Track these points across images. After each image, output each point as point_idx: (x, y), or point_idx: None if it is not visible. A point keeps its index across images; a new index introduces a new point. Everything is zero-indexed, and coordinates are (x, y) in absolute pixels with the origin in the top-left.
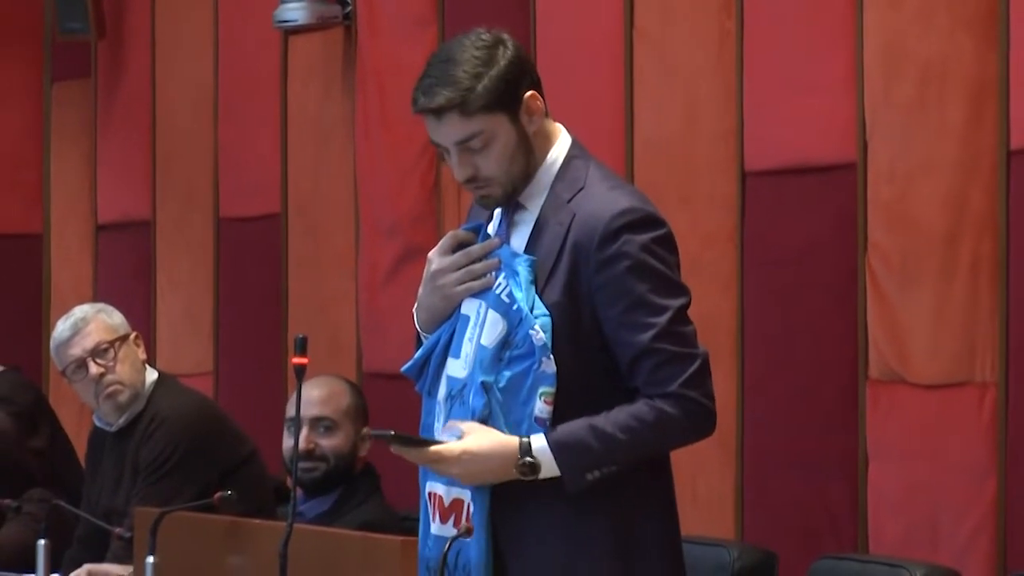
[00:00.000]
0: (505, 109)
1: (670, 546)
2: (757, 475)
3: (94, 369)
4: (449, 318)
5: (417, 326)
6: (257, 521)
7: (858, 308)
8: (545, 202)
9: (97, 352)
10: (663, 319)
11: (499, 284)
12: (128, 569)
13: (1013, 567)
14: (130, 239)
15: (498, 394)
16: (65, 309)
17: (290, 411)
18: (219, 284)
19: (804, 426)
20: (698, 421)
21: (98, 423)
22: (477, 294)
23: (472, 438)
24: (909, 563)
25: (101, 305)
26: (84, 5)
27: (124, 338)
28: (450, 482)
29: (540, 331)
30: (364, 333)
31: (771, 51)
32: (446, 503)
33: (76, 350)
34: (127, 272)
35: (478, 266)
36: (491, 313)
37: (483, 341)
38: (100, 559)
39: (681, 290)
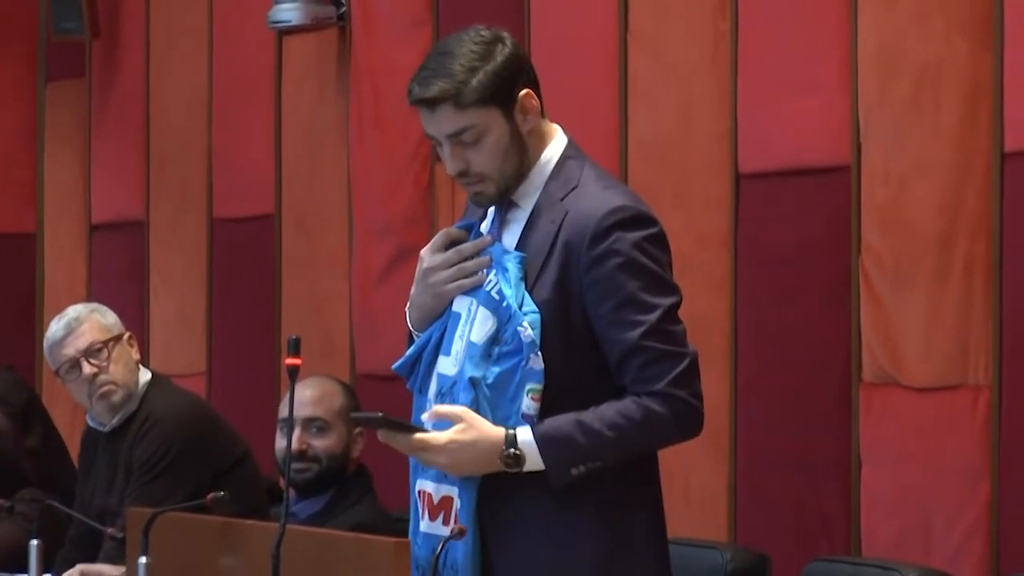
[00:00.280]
0: (499, 105)
1: (656, 543)
2: (750, 477)
3: (87, 369)
4: (440, 316)
5: (409, 324)
6: (250, 522)
7: (851, 310)
8: (538, 200)
9: (90, 352)
10: (653, 317)
11: (489, 281)
12: (121, 569)
13: (1006, 570)
14: (124, 239)
15: (486, 390)
16: (58, 309)
17: (283, 412)
18: (212, 284)
19: (797, 428)
20: (685, 420)
21: (91, 423)
22: (468, 292)
23: (459, 428)
24: (902, 565)
25: (95, 305)
26: (78, 5)
27: (118, 338)
28: (439, 479)
29: (528, 328)
30: (357, 334)
31: (765, 52)
32: (435, 500)
33: (69, 350)
34: (120, 272)
35: (469, 264)
36: (481, 310)
37: (473, 338)
38: (93, 559)
39: (672, 289)
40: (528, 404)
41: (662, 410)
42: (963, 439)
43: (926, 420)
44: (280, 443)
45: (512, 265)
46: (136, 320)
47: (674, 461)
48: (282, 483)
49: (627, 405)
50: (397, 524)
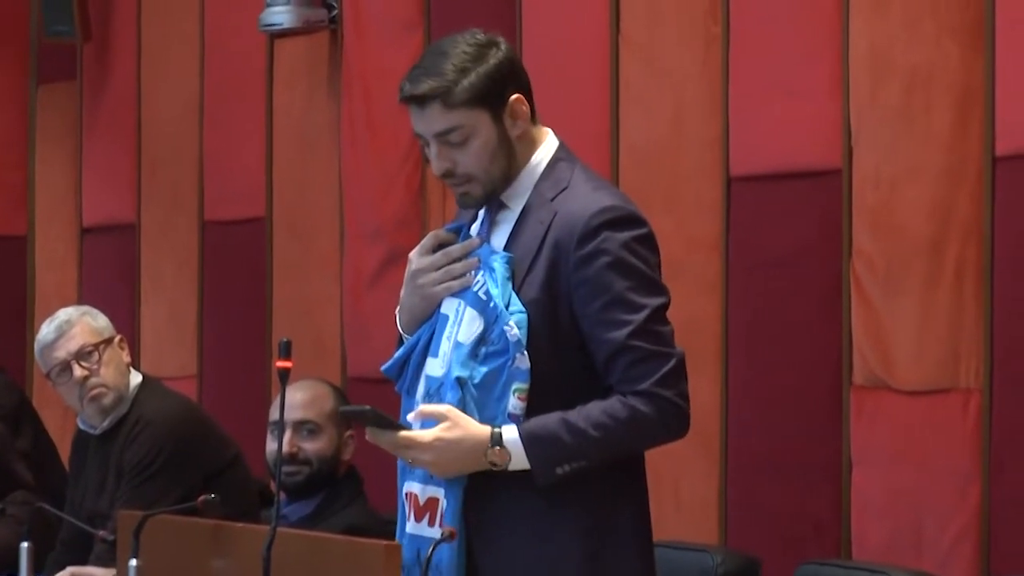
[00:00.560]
0: (488, 107)
1: (641, 542)
2: (741, 480)
3: (78, 372)
4: (429, 318)
5: (399, 327)
6: (241, 525)
7: (842, 314)
8: (528, 201)
9: (81, 355)
10: (640, 317)
11: (477, 282)
12: (111, 572)
13: (997, 572)
14: (115, 242)
15: (472, 390)
16: (49, 312)
17: (273, 415)
18: (203, 287)
19: (788, 432)
20: (671, 420)
21: (82, 426)
22: (456, 293)
23: (445, 426)
24: (893, 569)
25: (86, 308)
26: (70, 8)
27: (108, 341)
28: (426, 480)
29: (515, 327)
30: (348, 337)
31: (757, 56)
32: (421, 502)
33: (60, 353)
34: (111, 275)
35: (458, 266)
36: (468, 310)
37: (460, 338)
38: (83, 562)
39: (660, 290)
40: (514, 404)
41: (648, 410)
42: (954, 442)
43: (917, 423)
44: (271, 446)
45: (499, 265)
46: (127, 323)
47: (665, 464)
48: (273, 486)
49: (613, 405)
50: (388, 526)
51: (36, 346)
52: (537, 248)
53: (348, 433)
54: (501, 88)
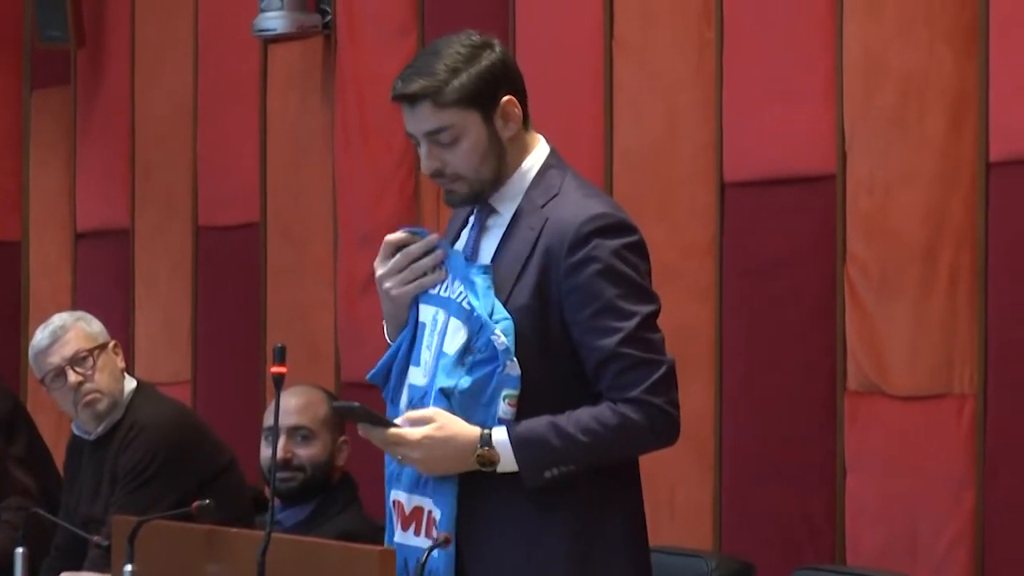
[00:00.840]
0: (479, 107)
1: (632, 547)
2: (735, 485)
3: (73, 377)
4: (407, 324)
5: (387, 338)
6: (235, 530)
7: (836, 319)
8: (519, 207)
9: (76, 360)
10: (631, 324)
11: (460, 293)
12: None
13: None
14: (109, 247)
15: (459, 398)
16: (44, 317)
17: (268, 420)
18: (197, 293)
19: (782, 437)
20: (660, 428)
21: (76, 431)
22: (434, 301)
23: (434, 426)
24: (887, 574)
25: (80, 313)
26: (64, 13)
27: (103, 346)
28: (411, 489)
29: (502, 335)
30: (343, 342)
31: (751, 61)
32: (407, 511)
33: (55, 358)
34: (106, 280)
35: (423, 261)
36: (452, 320)
37: (445, 348)
38: (78, 567)
39: (651, 297)
40: (504, 409)
41: (637, 417)
42: (948, 448)
43: (911, 429)
44: (265, 452)
45: (478, 278)
46: (121, 328)
47: (659, 470)
48: (267, 492)
49: (602, 411)
50: (382, 533)
51: (30, 352)
52: (528, 254)
53: (342, 439)
54: (493, 89)
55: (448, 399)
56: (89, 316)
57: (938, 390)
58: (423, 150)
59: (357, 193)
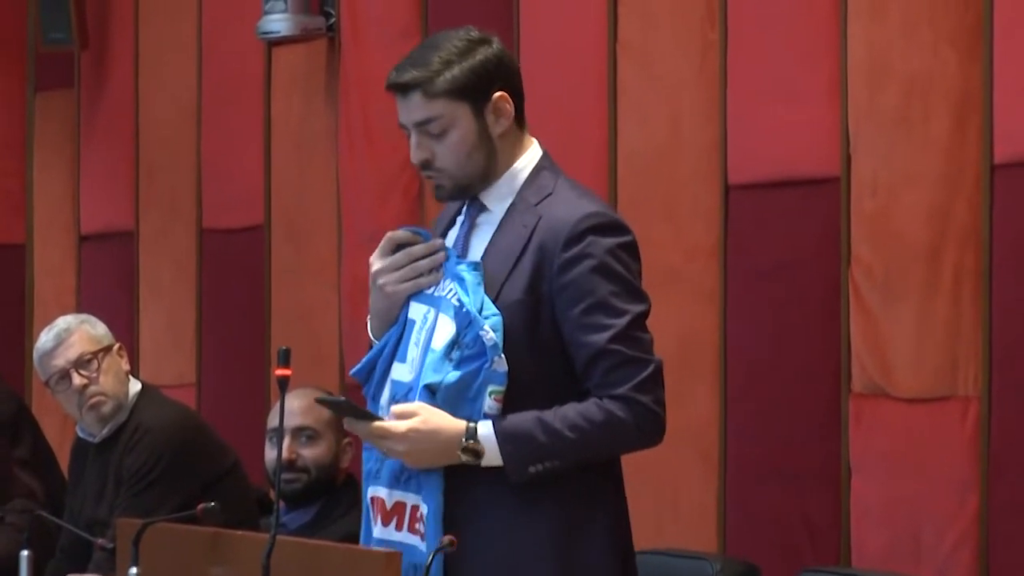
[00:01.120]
0: (469, 100)
1: (616, 543)
2: (739, 488)
3: (77, 380)
4: (396, 322)
5: (371, 335)
6: (240, 533)
7: (841, 321)
8: (511, 205)
9: (80, 363)
10: (622, 322)
11: (450, 290)
12: None
13: None
14: (113, 250)
15: (444, 393)
16: (48, 319)
17: (272, 422)
18: (202, 295)
19: (787, 439)
20: (646, 426)
21: (81, 434)
22: (426, 300)
23: (420, 419)
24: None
25: (84, 316)
26: (68, 15)
27: (107, 349)
28: (392, 485)
29: (491, 331)
30: (347, 343)
31: (755, 62)
32: (388, 506)
33: (59, 361)
34: (110, 283)
35: (423, 262)
36: (442, 316)
37: (433, 344)
38: (83, 570)
39: (642, 297)
40: (490, 405)
41: (624, 414)
42: (953, 450)
43: (916, 431)
44: (270, 454)
45: (468, 274)
46: (125, 331)
47: (664, 472)
48: (272, 494)
49: (589, 407)
50: None
51: (35, 354)
52: (520, 251)
53: (346, 440)
54: (486, 84)
55: (433, 395)
56: (93, 319)
57: (942, 392)
58: (413, 141)
59: (361, 195)
